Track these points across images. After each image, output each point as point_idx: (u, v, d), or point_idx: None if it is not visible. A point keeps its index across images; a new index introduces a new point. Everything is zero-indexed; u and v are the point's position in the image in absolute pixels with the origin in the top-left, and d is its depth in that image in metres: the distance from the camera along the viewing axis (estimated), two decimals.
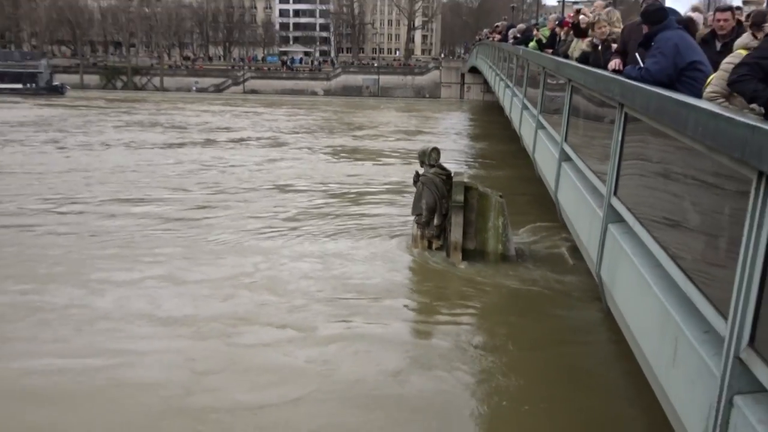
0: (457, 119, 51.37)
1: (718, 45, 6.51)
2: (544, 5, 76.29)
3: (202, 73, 74.51)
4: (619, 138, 5.84)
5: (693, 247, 4.22)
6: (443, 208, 14.81)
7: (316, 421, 8.58)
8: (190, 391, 9.18)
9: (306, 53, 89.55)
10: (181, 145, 34.09)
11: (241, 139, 36.46)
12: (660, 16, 6.13)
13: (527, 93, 15.76)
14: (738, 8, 7.28)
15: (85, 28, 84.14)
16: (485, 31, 45.14)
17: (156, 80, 73.10)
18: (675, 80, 5.66)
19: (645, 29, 6.25)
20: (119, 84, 72.45)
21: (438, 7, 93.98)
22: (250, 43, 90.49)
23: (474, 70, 55.10)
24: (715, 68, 5.25)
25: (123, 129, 39.89)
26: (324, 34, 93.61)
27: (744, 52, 4.86)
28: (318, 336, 11.03)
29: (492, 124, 39.94)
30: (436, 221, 14.92)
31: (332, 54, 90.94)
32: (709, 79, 5.34)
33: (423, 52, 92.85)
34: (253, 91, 70.77)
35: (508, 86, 21.83)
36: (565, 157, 8.99)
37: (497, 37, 27.81)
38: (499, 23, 32.53)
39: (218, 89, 71.44)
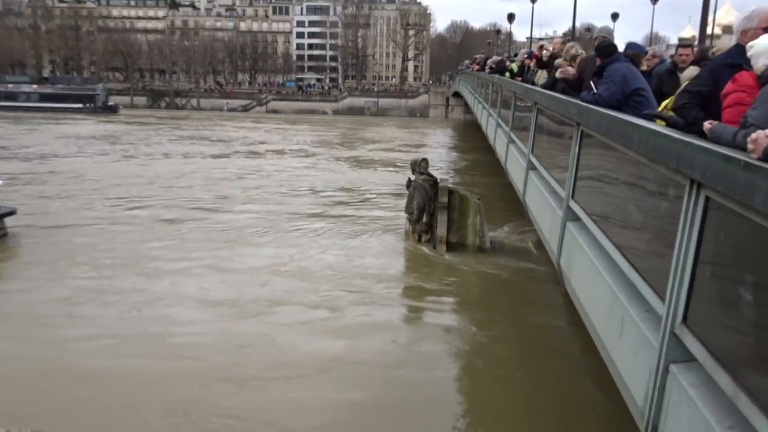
0: (443, 134, 51.11)
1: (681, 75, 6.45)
2: (515, 41, 76.16)
3: (232, 96, 74.18)
4: (576, 151, 5.84)
5: (637, 241, 4.23)
6: (431, 208, 14.86)
7: (342, 384, 8.46)
8: (236, 362, 8.96)
9: (318, 79, 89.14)
10: (227, 155, 33.38)
11: (276, 151, 35.76)
12: (610, 51, 6.13)
13: (501, 113, 15.74)
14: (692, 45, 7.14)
15: (135, 58, 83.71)
16: (466, 62, 45.11)
17: (194, 101, 72.71)
18: (623, 104, 5.65)
19: (598, 61, 6.26)
20: (163, 104, 72.02)
21: (427, 42, 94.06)
22: (271, 71, 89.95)
23: (457, 95, 54.91)
24: None
25: (176, 142, 39.09)
26: (333, 63, 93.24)
27: None
28: (340, 313, 10.93)
29: (471, 139, 39.72)
30: (424, 219, 14.98)
31: (340, 80, 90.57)
32: (663, 104, 5.32)
33: (415, 79, 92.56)
34: (275, 111, 70.27)
35: (484, 108, 21.79)
36: (531, 167, 8.99)
37: (476, 67, 27.80)
38: (477, 56, 32.57)
39: (245, 109, 70.96)
